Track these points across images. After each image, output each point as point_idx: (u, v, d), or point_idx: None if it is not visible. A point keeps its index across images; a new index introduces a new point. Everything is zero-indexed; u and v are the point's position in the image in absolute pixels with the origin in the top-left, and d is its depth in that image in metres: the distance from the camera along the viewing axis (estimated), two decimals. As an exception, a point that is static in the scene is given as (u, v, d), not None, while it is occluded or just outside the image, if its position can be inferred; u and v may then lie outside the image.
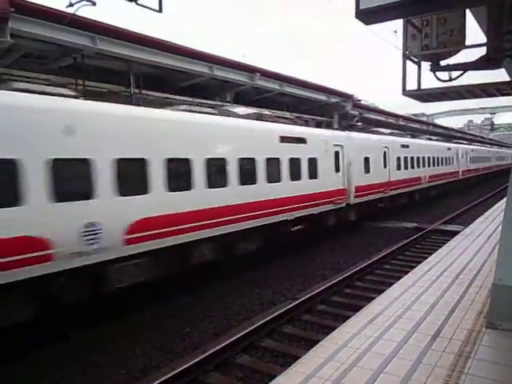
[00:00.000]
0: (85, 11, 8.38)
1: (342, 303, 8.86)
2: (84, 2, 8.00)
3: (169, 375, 5.65)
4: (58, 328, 7.18)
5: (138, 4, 7.87)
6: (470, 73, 5.72)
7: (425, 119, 41.74)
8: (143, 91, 11.19)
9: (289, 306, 8.14)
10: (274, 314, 7.73)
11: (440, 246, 10.35)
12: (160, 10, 8.02)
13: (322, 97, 18.26)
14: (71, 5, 8.03)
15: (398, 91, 6.01)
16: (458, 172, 31.28)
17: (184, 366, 5.88)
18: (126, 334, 7.58)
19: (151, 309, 8.66)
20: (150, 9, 7.96)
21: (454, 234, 12.18)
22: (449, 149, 29.68)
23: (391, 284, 7.46)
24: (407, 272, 8.09)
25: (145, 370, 6.39)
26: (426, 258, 9.11)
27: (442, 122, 48.62)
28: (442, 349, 4.61)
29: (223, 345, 6.51)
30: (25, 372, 6.33)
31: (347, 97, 19.88)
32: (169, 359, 6.70)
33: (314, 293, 8.94)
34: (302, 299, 8.54)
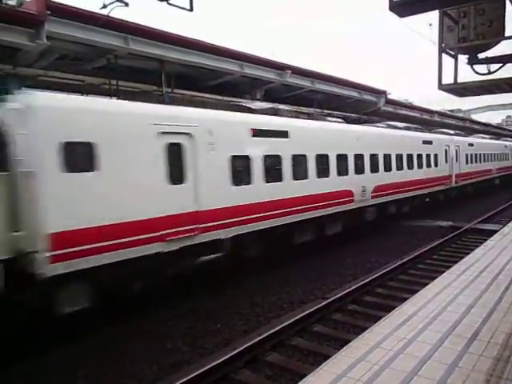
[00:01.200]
0: (117, 12, 8.58)
1: (374, 303, 8.71)
2: (117, 4, 8.17)
3: (199, 371, 5.70)
4: (87, 324, 7.30)
5: (169, 4, 7.95)
6: (510, 65, 5.48)
7: (461, 115, 40.69)
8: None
9: (319, 305, 8.07)
10: (304, 313, 7.68)
11: (477, 246, 10.02)
12: (191, 9, 8.07)
13: (354, 93, 18.02)
14: (105, 6, 8.22)
15: (426, 87, 5.84)
16: None
17: (215, 363, 5.93)
18: (154, 330, 7.66)
19: (178, 306, 8.69)
20: (182, 8, 8.01)
21: (492, 233, 11.77)
22: None
23: (425, 284, 7.25)
24: (442, 272, 7.85)
25: (176, 365, 6.45)
26: (462, 257, 8.84)
27: (479, 117, 47.11)
28: (479, 352, 4.45)
29: (253, 342, 6.51)
30: (60, 366, 6.48)
31: (379, 93, 19.55)
32: (200, 355, 6.75)
33: (344, 292, 8.83)
34: (333, 298, 8.45)
